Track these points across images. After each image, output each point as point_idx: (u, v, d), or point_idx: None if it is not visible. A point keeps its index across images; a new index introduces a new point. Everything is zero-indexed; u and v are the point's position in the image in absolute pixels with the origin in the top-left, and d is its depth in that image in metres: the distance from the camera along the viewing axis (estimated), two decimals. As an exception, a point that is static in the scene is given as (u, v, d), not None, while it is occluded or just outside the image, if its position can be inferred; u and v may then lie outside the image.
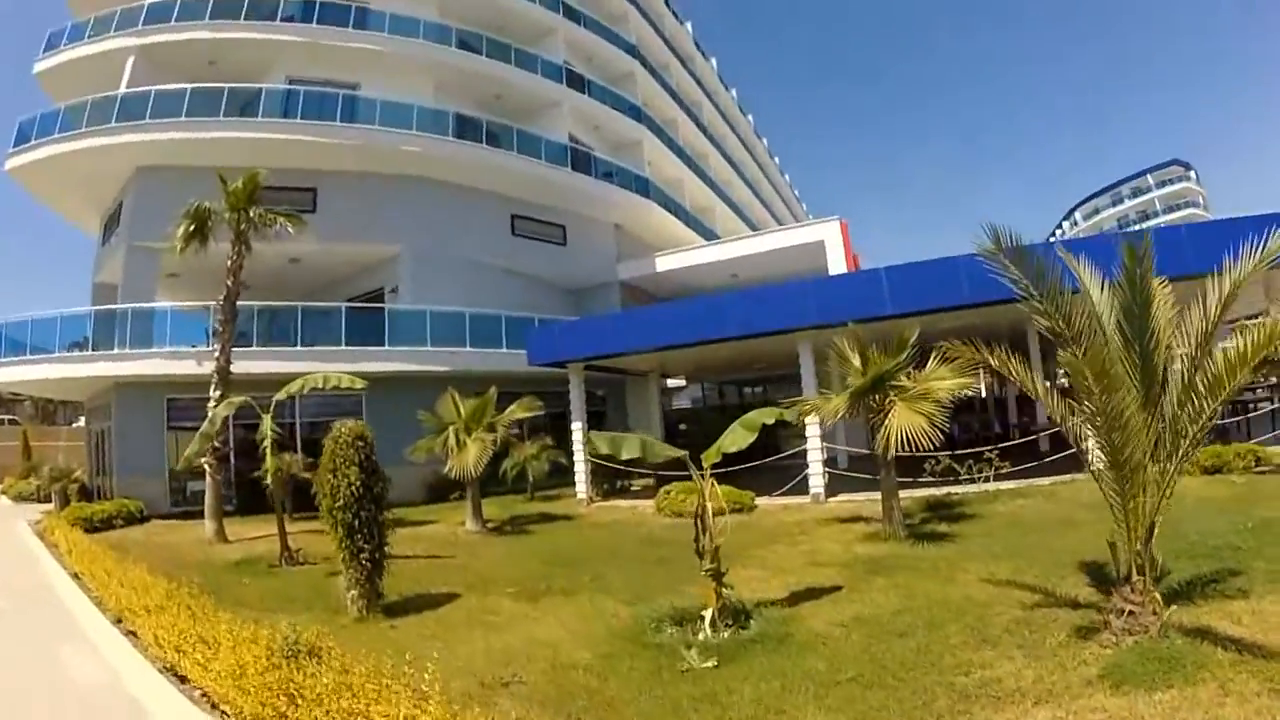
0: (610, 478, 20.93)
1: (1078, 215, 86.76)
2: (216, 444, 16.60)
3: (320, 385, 13.57)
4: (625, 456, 8.38)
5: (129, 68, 24.70)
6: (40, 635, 9.33)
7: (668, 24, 41.78)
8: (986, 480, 15.19)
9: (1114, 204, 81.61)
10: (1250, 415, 18.16)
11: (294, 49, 25.43)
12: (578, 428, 20.32)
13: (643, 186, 31.63)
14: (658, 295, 32.24)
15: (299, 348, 21.79)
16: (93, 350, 21.25)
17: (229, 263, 17.56)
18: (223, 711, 5.91)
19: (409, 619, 9.21)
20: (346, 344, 22.21)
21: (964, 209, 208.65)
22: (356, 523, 9.23)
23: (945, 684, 5.62)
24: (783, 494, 16.71)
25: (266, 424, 13.14)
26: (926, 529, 11.95)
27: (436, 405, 17.45)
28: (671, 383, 34.01)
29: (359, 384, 13.87)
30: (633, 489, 21.81)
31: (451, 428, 16.81)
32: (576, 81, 31.27)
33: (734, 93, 50.86)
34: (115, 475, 21.74)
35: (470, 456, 15.97)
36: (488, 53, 28.30)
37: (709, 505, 7.89)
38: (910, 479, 14.23)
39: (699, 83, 44.70)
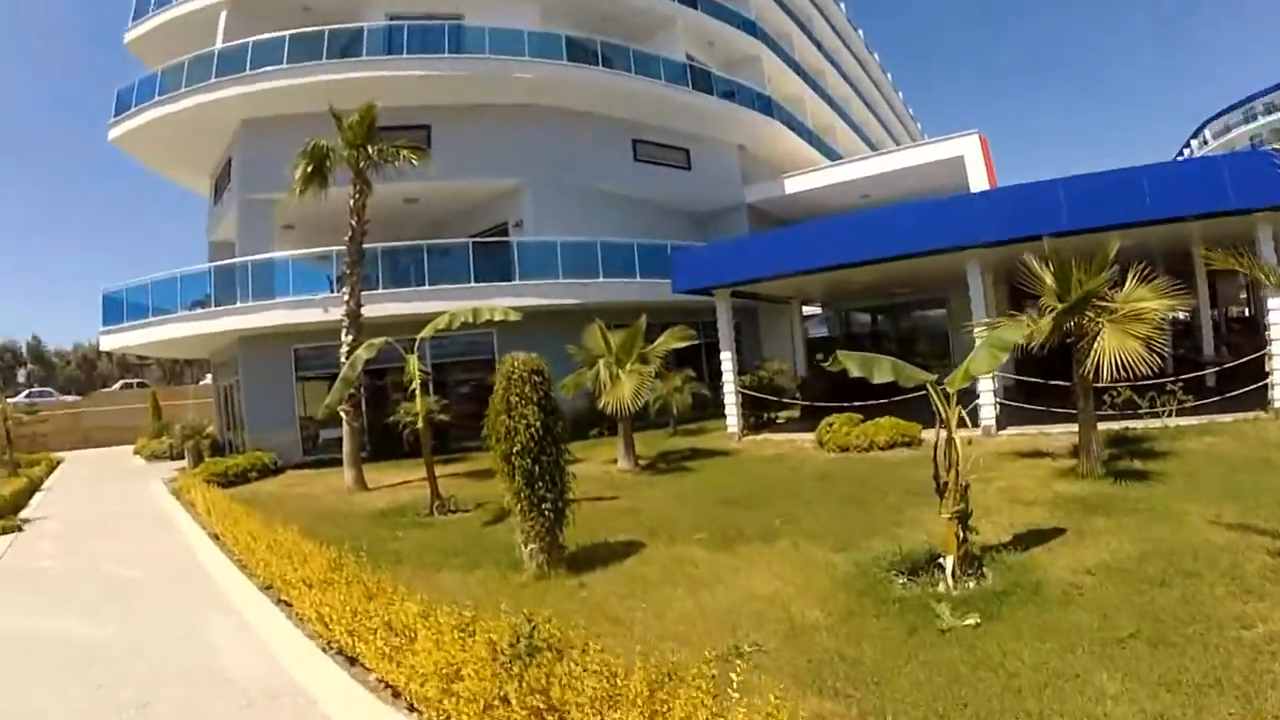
0: (756, 410, 19.32)
1: (1207, 133, 78.17)
2: (353, 389, 15.44)
3: (471, 320, 12.19)
4: (878, 379, 7.28)
5: (222, 23, 23.51)
6: (183, 608, 8.14)
7: (776, -63, 38.32)
8: (1169, 415, 13.24)
9: (1246, 120, 73.08)
10: None
11: None
12: (727, 356, 18.64)
13: (765, 105, 29.13)
14: (785, 219, 30.01)
15: (425, 288, 20.52)
16: (215, 306, 20.49)
17: (350, 202, 16.25)
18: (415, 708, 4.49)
19: (596, 574, 7.86)
20: (475, 281, 20.83)
21: (1075, 138, 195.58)
22: (537, 468, 7.83)
23: (1232, 640, 4.92)
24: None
25: (413, 365, 11.87)
26: (1121, 466, 10.44)
27: (583, 338, 16.09)
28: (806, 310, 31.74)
29: (513, 315, 12.55)
30: (778, 421, 20.13)
31: (601, 361, 15.39)
32: (687, -2, 28.76)
33: (843, 5, 47.02)
34: (246, 428, 21.25)
35: (626, 390, 14.51)
36: (595, -29, 26.05)
37: (955, 436, 6.77)
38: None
39: (806, -4, 41.22)
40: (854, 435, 14.65)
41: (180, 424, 24.14)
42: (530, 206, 23.63)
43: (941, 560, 6.50)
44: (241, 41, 22.37)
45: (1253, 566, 6.16)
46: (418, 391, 11.58)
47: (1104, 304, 9.84)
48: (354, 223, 16.21)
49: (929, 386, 6.98)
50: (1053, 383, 14.17)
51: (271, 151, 20.67)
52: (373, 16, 23.45)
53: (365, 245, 16.89)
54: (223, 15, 23.72)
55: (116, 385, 57.32)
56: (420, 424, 11.95)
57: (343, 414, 15.49)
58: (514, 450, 7.81)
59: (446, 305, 19.33)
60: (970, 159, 25.27)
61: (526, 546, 7.99)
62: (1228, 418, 13.02)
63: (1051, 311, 10.13)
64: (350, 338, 15.90)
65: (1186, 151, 79.34)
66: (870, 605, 6.11)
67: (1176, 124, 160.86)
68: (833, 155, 34.64)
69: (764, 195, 29.12)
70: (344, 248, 16.77)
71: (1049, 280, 10.28)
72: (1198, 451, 11.27)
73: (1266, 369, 13.32)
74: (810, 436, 15.97)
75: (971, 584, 6.27)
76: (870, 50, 53.83)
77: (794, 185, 28.66)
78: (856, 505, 9.97)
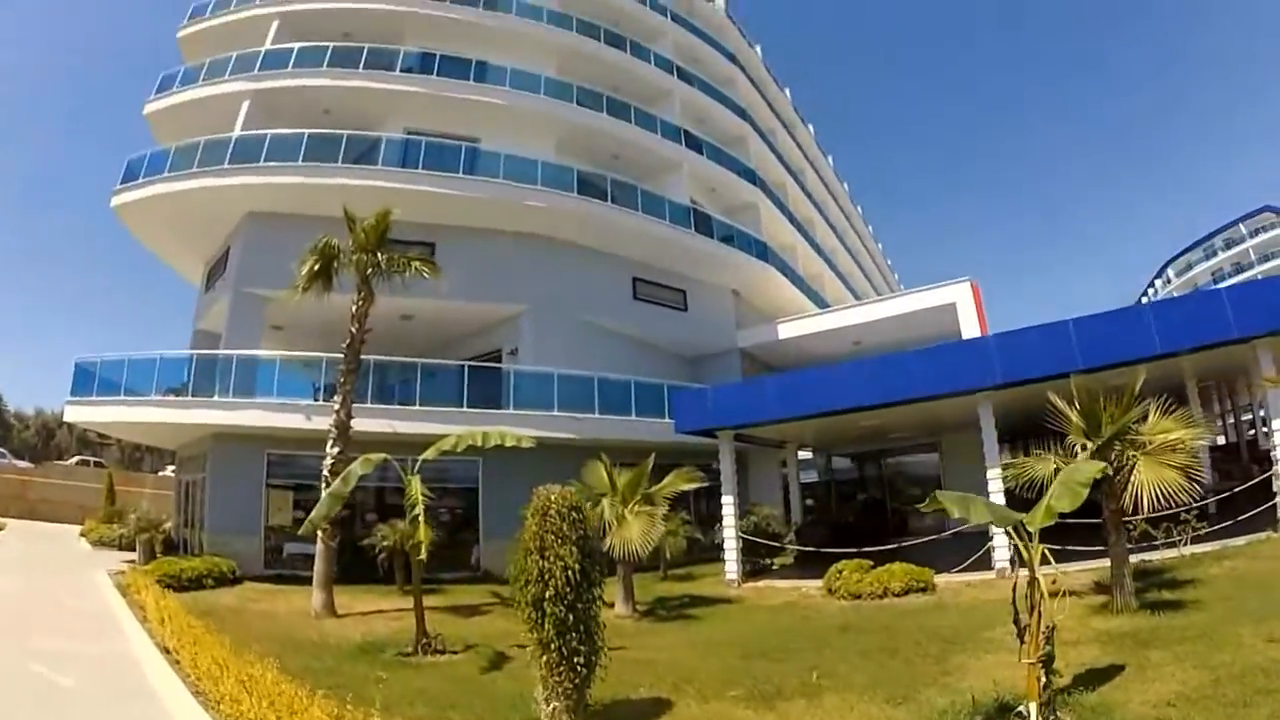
0: (751, 556, 18.26)
1: (1170, 273, 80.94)
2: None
3: (479, 443, 11.14)
4: (974, 520, 6.87)
5: (243, 112, 23.24)
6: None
7: (770, 90, 40.02)
8: (1185, 544, 12.87)
9: (1207, 257, 75.85)
10: None
11: (413, 100, 23.86)
12: (729, 500, 17.65)
13: (761, 250, 29.20)
14: (776, 365, 29.72)
15: (415, 407, 19.33)
16: (192, 396, 19.13)
17: (353, 308, 15.45)
18: None
19: None
20: (467, 406, 19.75)
21: (1032, 284, 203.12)
22: (571, 616, 6.87)
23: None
24: (962, 570, 14.51)
25: (416, 487, 10.59)
26: (1152, 597, 10.19)
27: (583, 474, 15.01)
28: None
29: (526, 442, 11.51)
30: (773, 568, 19.07)
31: (605, 500, 14.39)
32: (693, 143, 29.32)
33: (830, 160, 48.68)
34: (206, 530, 19.43)
35: (634, 532, 13.59)
36: (608, 111, 26.49)
37: (1040, 577, 6.35)
38: (1088, 548, 12.07)
39: (800, 149, 42.68)
40: (866, 582, 13.83)
41: (135, 513, 21.99)
42: (528, 335, 22.92)
43: (1021, 709, 6.04)
44: (260, 132, 22.02)
45: None
46: (421, 517, 10.28)
47: (1134, 437, 9.76)
48: (354, 329, 15.33)
49: (1010, 529, 6.72)
50: (1067, 521, 13.23)
51: (273, 247, 20.01)
52: (391, 129, 23.35)
53: (363, 356, 16.05)
54: (244, 105, 23.43)
55: (73, 460, 53.82)
56: (422, 554, 10.51)
57: (320, 531, 14.10)
58: (546, 595, 6.82)
59: (436, 427, 18.45)
60: (962, 306, 25.20)
61: (549, 704, 6.83)
62: (1240, 541, 12.76)
63: (1082, 449, 9.96)
64: (336, 450, 14.75)
65: (1151, 292, 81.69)
66: None
67: (1139, 269, 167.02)
68: (821, 303, 34.71)
69: (757, 340, 28.77)
70: (336, 355, 15.90)
71: (1075, 418, 10.17)
72: (1222, 576, 11.00)
73: (1275, 488, 12.95)
74: (816, 584, 15.13)
75: None
76: (854, 203, 55.59)
77: (787, 330, 28.38)
78: (893, 656, 9.25)
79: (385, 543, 16.87)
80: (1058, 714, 6.12)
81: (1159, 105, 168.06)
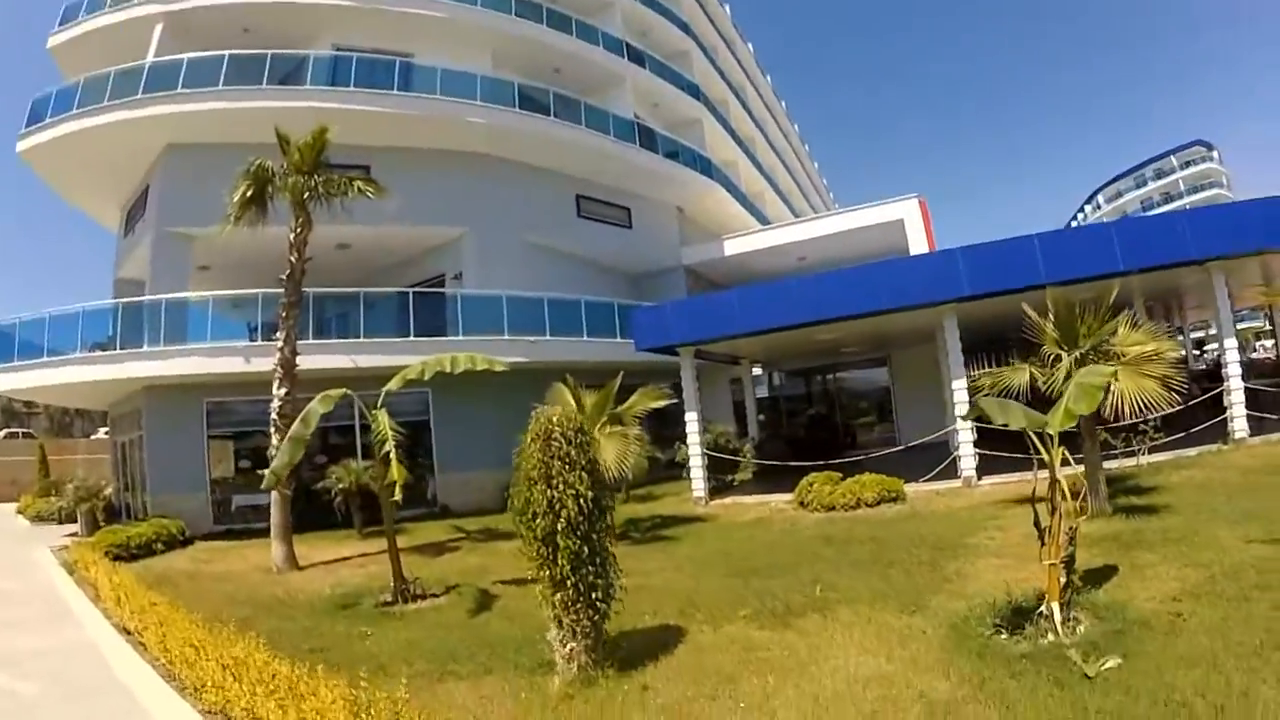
0: (714, 474, 18.02)
1: (1100, 199, 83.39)
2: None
3: (448, 368, 10.31)
4: (1014, 425, 6.52)
5: (156, 38, 21.02)
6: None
7: (712, 5, 38.37)
8: (1143, 454, 13.39)
9: (1138, 186, 78.31)
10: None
11: (340, 14, 21.78)
12: (693, 418, 17.31)
13: (705, 166, 28.41)
14: (720, 282, 29.29)
15: (361, 339, 18.27)
16: (120, 350, 17.59)
17: (291, 237, 14.28)
18: None
19: (652, 671, 6.26)
20: (414, 335, 18.75)
21: (980, 199, 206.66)
22: (586, 549, 6.25)
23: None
24: (930, 480, 14.65)
25: (384, 423, 9.74)
26: (1123, 503, 10.38)
27: (547, 397, 14.16)
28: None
29: (498, 365, 10.72)
30: (734, 484, 18.95)
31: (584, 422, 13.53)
32: (636, 57, 27.95)
33: (769, 78, 47.63)
34: (148, 491, 18.25)
35: (608, 454, 12.80)
36: (548, 23, 24.84)
37: (1061, 479, 6.39)
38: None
39: (741, 67, 41.39)
40: (839, 494, 13.67)
41: (73, 482, 20.51)
42: (473, 258, 21.84)
43: (1043, 609, 6.07)
44: (175, 57, 19.95)
45: None
46: (392, 455, 9.42)
47: (1111, 348, 9.92)
48: (294, 259, 14.18)
49: (1029, 433, 6.58)
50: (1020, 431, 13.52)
51: (196, 181, 18.55)
52: (319, 46, 21.50)
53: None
54: (157, 30, 21.21)
55: (0, 434, 50.92)
56: (396, 494, 9.60)
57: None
58: (558, 527, 6.16)
59: (383, 359, 17.62)
60: (910, 222, 25.08)
61: (565, 645, 6.26)
62: (1192, 451, 13.41)
63: (1056, 359, 10.02)
64: (284, 391, 13.76)
65: (1081, 216, 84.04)
66: (997, 666, 5.46)
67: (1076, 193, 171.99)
68: (763, 220, 34.25)
69: (702, 257, 28.26)
70: (273, 290, 15.00)
71: (1050, 329, 10.23)
72: (1183, 484, 11.32)
73: (1226, 403, 13.85)
74: (785, 497, 14.96)
75: (1081, 628, 5.92)
76: (791, 121, 54.75)
77: (733, 246, 27.91)
78: (889, 566, 9.09)
79: (341, 485, 16.08)
80: (1074, 613, 6.09)
81: (1107, 39, 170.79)
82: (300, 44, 21.27)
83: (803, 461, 16.35)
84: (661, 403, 14.90)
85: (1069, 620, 5.98)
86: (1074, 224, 79.54)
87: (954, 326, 15.06)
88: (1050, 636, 5.81)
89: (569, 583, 6.12)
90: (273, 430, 13.57)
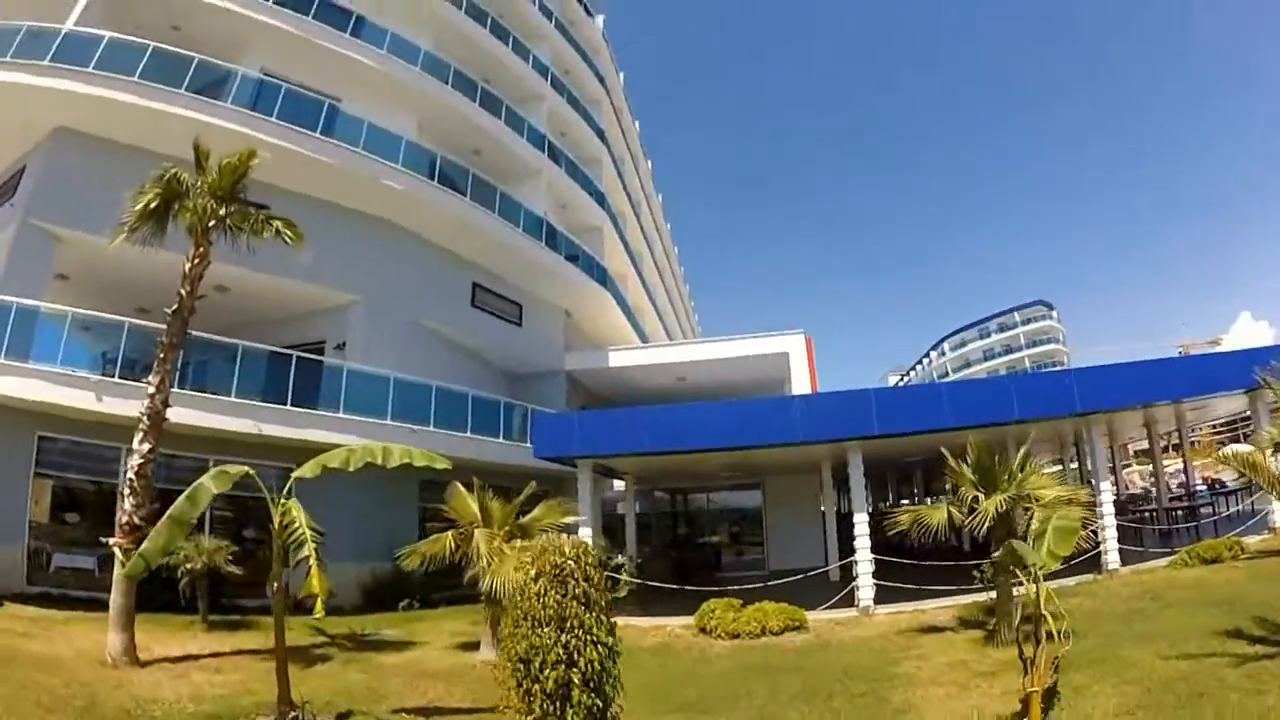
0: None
1: (945, 346, 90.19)
2: (137, 519, 11.02)
3: (379, 460, 8.63)
4: (1029, 560, 7.23)
5: (79, 8, 18.13)
6: None
7: (625, 119, 39.16)
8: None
9: (981, 337, 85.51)
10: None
11: (276, 37, 19.97)
12: (587, 534, 15.85)
13: (600, 275, 27.93)
14: (599, 394, 28.71)
15: (231, 399, 15.84)
16: None
17: (186, 267, 12.20)
18: None
19: None
20: (291, 404, 16.55)
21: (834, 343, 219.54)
22: (600, 706, 5.40)
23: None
24: (827, 608, 14.50)
25: (300, 518, 7.91)
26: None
27: (448, 497, 13.24)
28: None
29: (440, 463, 9.09)
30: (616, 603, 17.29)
31: (479, 531, 12.37)
32: (554, 155, 27.60)
33: (660, 197, 48.51)
34: None
35: (514, 570, 11.17)
36: (480, 102, 24.04)
37: (1048, 614, 6.73)
38: (933, 587, 14.39)
39: (640, 183, 42.05)
40: (743, 621, 13.14)
41: None
42: (359, 330, 19.89)
43: None
44: (95, 32, 17.22)
45: (1237, 672, 7.41)
46: (313, 562, 7.57)
47: (1029, 491, 10.65)
48: (184, 292, 12.06)
49: (1025, 570, 7.25)
50: (914, 562, 14.80)
51: (81, 176, 16.39)
52: (248, 64, 19.36)
53: (153, 327, 13.34)
54: (81, 2, 18.28)
55: None
56: (319, 609, 7.58)
57: (116, 550, 10.86)
58: (573, 680, 5.21)
59: (257, 426, 15.67)
60: (795, 356, 25.66)
61: None
62: (1070, 581, 13.70)
63: (972, 500, 10.91)
64: (147, 447, 11.39)
65: (925, 361, 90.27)
66: None
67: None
68: (642, 336, 34.15)
69: (586, 365, 27.49)
70: (141, 322, 13.76)
71: (968, 472, 11.18)
72: (1076, 610, 11.18)
73: (1100, 539, 14.55)
74: (680, 621, 14.31)
75: None
76: (674, 242, 55.83)
77: (618, 359, 27.44)
78: (829, 699, 8.76)
79: (190, 565, 13.42)
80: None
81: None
82: (230, 56, 19.08)
83: (685, 585, 16.03)
84: (567, 519, 13.59)
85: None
86: (919, 368, 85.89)
87: (859, 459, 15.34)
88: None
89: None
90: (127, 492, 11.20)
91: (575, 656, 5.17)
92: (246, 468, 8.38)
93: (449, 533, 12.49)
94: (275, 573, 8.24)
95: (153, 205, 11.75)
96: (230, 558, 14.02)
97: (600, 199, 30.44)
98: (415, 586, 17.08)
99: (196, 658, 11.10)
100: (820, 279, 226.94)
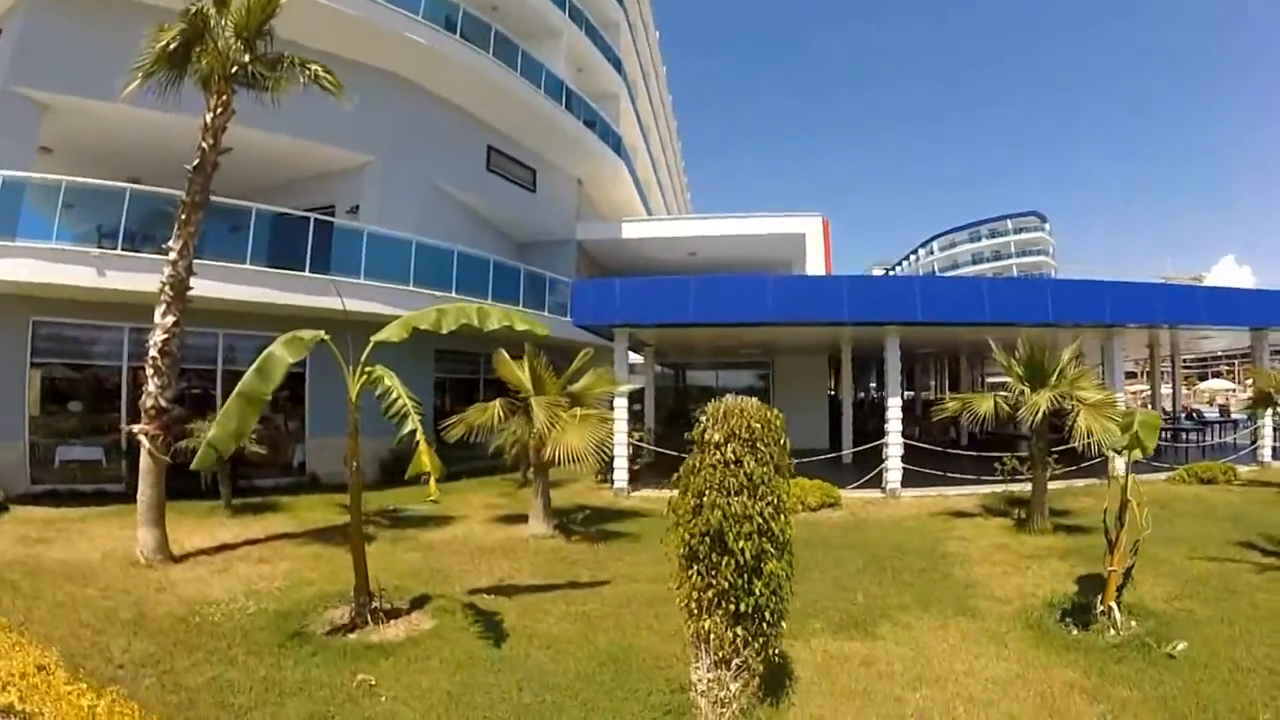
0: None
1: (935, 245, 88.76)
2: (163, 401, 10.03)
3: (474, 322, 7.71)
4: (1145, 438, 6.96)
5: None
6: None
7: (639, -21, 36.33)
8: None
9: (971, 240, 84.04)
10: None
11: None
12: (621, 404, 15.32)
13: (615, 143, 26.48)
14: (608, 265, 27.64)
15: (248, 266, 14.56)
16: None
17: (207, 118, 10.64)
18: None
19: (801, 700, 5.28)
20: (310, 270, 15.32)
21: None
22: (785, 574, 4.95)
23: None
24: (855, 488, 14.65)
25: (398, 388, 7.09)
26: (1056, 521, 11.34)
27: (495, 367, 12.43)
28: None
29: (541, 329, 8.21)
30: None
31: (535, 400, 11.58)
32: (574, 14, 25.44)
33: (665, 68, 45.99)
34: None
35: (575, 439, 10.89)
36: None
37: (1131, 500, 6.71)
38: (972, 477, 14.78)
39: (650, 53, 39.53)
40: None
41: None
42: (374, 192, 18.59)
43: (1101, 608, 6.62)
44: None
45: (1259, 577, 8.12)
46: (421, 438, 6.73)
47: (1075, 391, 10.95)
48: (207, 145, 10.57)
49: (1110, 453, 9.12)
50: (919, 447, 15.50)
51: (65, 37, 14.76)
52: None
53: (161, 193, 12.45)
54: None
55: None
56: (433, 492, 6.64)
57: (142, 438, 9.88)
58: (767, 550, 4.80)
59: (276, 294, 14.60)
60: (811, 238, 25.09)
61: (726, 686, 4.82)
62: (1080, 483, 14.46)
63: (1021, 393, 11.28)
64: (171, 320, 10.22)
65: (913, 258, 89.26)
66: (1095, 656, 6.06)
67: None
68: (649, 211, 32.79)
69: (598, 235, 26.46)
70: (144, 187, 12.78)
71: (1016, 366, 11.52)
72: (1092, 510, 11.63)
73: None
74: None
75: (1133, 623, 6.57)
76: (675, 116, 53.39)
77: (631, 230, 26.48)
78: (896, 573, 8.86)
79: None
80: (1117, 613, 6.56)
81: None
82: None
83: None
84: (619, 386, 12.91)
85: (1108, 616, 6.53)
86: (905, 264, 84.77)
87: (896, 345, 15.26)
88: (1111, 632, 6.41)
89: (766, 612, 4.76)
90: (150, 372, 10.08)
91: (769, 525, 4.73)
92: (321, 332, 7.40)
93: (496, 401, 11.72)
94: (352, 450, 7.48)
95: (173, 46, 10.22)
96: (255, 437, 13.22)
97: (617, 65, 28.48)
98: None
99: (232, 547, 10.40)
100: (812, 162, 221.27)
